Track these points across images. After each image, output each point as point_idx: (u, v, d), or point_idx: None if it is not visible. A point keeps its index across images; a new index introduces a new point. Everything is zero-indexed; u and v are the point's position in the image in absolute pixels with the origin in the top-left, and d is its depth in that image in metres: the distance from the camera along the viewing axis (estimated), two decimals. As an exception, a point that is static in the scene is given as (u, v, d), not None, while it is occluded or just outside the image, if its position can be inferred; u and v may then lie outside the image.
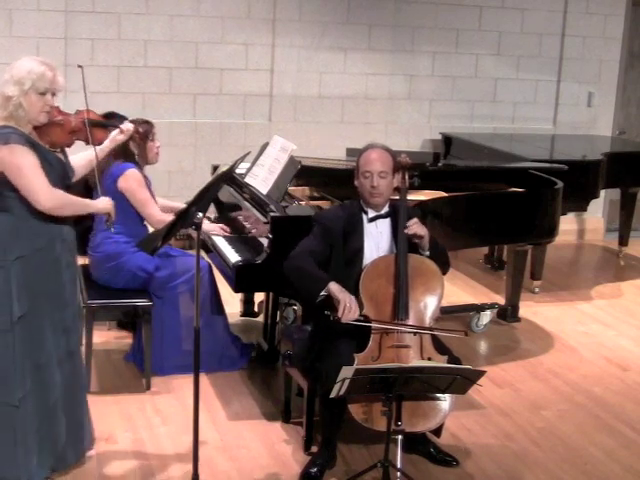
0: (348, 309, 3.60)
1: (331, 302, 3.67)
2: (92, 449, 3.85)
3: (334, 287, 3.67)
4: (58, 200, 3.41)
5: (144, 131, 4.67)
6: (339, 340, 3.73)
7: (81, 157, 3.75)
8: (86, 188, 4.76)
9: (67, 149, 3.63)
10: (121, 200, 4.52)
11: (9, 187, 3.35)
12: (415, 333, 3.67)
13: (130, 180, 4.57)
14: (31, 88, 3.33)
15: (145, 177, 4.68)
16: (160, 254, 4.62)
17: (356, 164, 3.92)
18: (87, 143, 3.65)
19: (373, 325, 3.65)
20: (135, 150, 4.65)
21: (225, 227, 4.85)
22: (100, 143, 3.77)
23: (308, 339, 4.00)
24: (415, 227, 3.78)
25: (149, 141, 4.71)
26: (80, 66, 3.69)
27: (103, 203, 3.66)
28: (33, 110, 3.36)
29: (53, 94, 3.41)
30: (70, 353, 3.60)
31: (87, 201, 3.66)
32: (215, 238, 4.80)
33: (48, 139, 3.47)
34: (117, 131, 3.87)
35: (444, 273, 3.91)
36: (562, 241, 6.99)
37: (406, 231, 3.77)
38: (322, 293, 3.68)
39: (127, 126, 3.92)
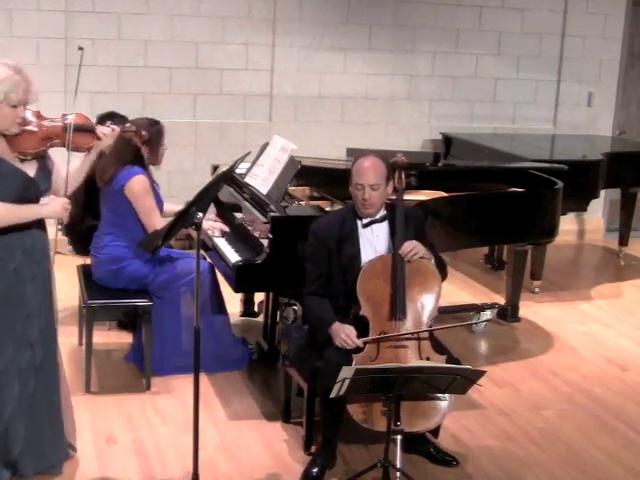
0: (347, 344, 3.67)
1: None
2: (63, 466, 3.68)
3: (332, 331, 3.73)
4: None
5: (158, 132, 4.62)
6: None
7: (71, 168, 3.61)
8: (92, 190, 4.76)
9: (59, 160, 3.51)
10: (127, 205, 4.53)
11: None
12: (414, 334, 3.68)
13: (136, 187, 4.52)
14: (4, 101, 3.19)
15: (153, 181, 4.66)
16: (161, 257, 4.63)
17: (350, 173, 3.90)
18: (68, 149, 3.49)
19: (382, 337, 3.66)
20: (145, 153, 4.60)
21: (224, 227, 4.84)
22: (82, 148, 3.61)
23: (305, 338, 4.00)
24: (408, 250, 3.75)
25: (162, 143, 4.66)
26: (81, 48, 3.62)
27: (53, 207, 3.41)
28: (4, 123, 3.23)
29: (26, 105, 3.27)
30: (36, 368, 3.45)
31: (31, 208, 3.38)
32: (215, 238, 4.80)
33: (16, 148, 3.32)
34: (103, 130, 3.69)
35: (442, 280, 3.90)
36: (562, 241, 6.98)
37: (402, 254, 3.76)
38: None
39: (102, 130, 3.68)
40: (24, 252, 3.36)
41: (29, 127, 3.37)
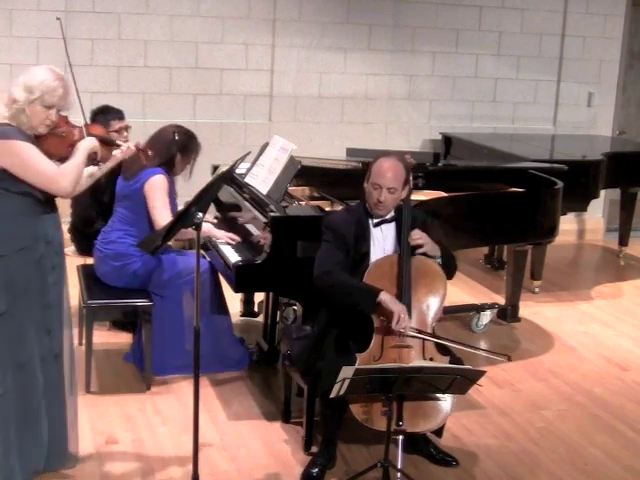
0: (402, 319, 3.58)
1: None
2: (76, 458, 3.73)
3: (386, 297, 3.62)
4: (70, 178, 3.38)
5: (196, 148, 4.73)
6: (341, 340, 3.74)
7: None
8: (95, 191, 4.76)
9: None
10: (143, 204, 4.55)
11: None
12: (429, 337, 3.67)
13: (156, 183, 4.55)
14: (38, 99, 3.32)
15: (173, 190, 4.68)
16: (163, 256, 4.63)
17: (369, 169, 3.88)
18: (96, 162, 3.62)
19: (421, 337, 3.64)
20: (176, 160, 4.66)
21: (234, 236, 4.75)
22: (103, 161, 3.74)
23: (310, 340, 3.97)
24: (417, 238, 3.78)
25: (193, 157, 4.74)
26: (58, 18, 3.70)
27: (88, 141, 3.53)
28: (34, 120, 3.34)
29: (59, 111, 3.40)
30: (55, 356, 3.52)
31: (79, 154, 3.48)
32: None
33: (44, 148, 3.41)
34: (118, 151, 3.81)
35: (449, 279, 3.89)
36: (562, 241, 6.98)
37: (410, 242, 3.77)
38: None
39: (128, 146, 3.82)
40: (46, 243, 3.44)
41: (58, 130, 3.46)
